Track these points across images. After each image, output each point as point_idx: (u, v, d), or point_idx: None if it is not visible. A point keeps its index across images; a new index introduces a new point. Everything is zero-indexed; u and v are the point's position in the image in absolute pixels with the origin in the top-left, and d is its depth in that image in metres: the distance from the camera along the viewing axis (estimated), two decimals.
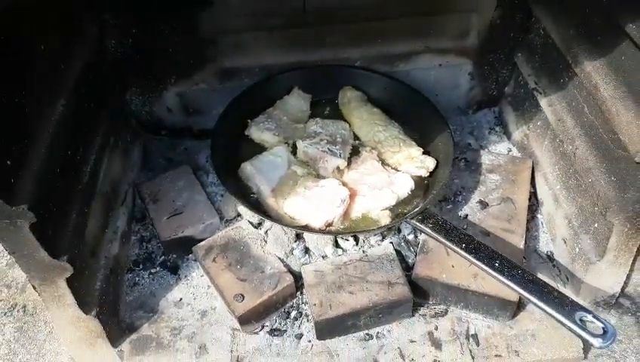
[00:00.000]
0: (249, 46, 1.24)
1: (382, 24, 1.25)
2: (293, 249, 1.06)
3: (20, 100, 0.81)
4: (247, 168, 1.10)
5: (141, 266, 1.13)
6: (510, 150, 1.33)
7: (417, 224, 0.96)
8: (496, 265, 0.88)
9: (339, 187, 1.04)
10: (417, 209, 0.99)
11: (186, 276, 1.12)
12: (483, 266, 0.88)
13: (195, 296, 1.09)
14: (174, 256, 1.14)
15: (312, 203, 1.02)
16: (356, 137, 1.22)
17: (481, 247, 0.91)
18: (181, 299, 1.08)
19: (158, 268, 1.13)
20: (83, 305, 0.93)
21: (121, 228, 1.13)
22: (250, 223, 1.12)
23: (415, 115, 1.22)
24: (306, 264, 1.05)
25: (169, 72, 1.26)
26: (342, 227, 1.04)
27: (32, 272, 0.87)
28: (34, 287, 0.90)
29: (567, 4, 1.08)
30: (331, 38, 1.25)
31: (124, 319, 1.05)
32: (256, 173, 1.09)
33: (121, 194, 1.17)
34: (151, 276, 1.12)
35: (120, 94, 1.26)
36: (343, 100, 1.28)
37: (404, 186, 1.07)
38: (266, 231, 1.09)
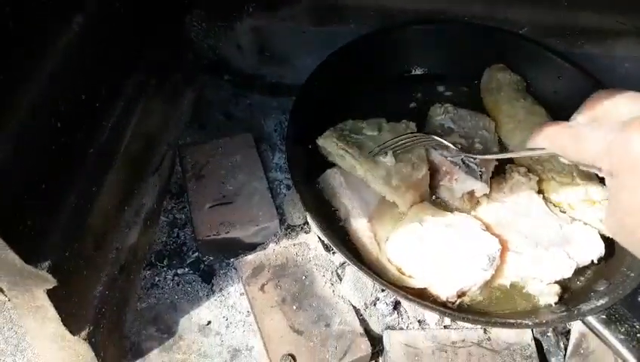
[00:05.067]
0: None
1: None
2: (377, 300, 0.72)
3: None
4: (335, 179, 0.73)
5: (166, 262, 0.83)
6: None
7: (599, 327, 0.58)
8: None
9: (484, 234, 0.65)
10: (604, 302, 0.60)
11: (221, 289, 0.81)
12: None
13: (229, 324, 0.78)
14: (211, 257, 0.83)
15: (436, 254, 0.64)
16: (501, 144, 0.81)
17: None
18: (209, 323, 0.78)
19: (186, 269, 0.83)
20: (71, 321, 0.65)
21: (147, 207, 0.82)
22: (321, 241, 0.77)
23: None
24: (392, 328, 0.70)
25: None
26: (480, 299, 0.66)
27: None
28: (0, 290, 0.62)
29: None
30: None
31: (129, 335, 0.77)
32: (347, 189, 0.72)
33: (156, 157, 0.85)
34: (176, 278, 0.82)
35: (178, 16, 0.91)
36: (490, 84, 0.86)
37: (590, 250, 0.66)
38: (343, 263, 0.74)
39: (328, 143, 0.74)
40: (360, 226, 0.69)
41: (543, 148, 0.52)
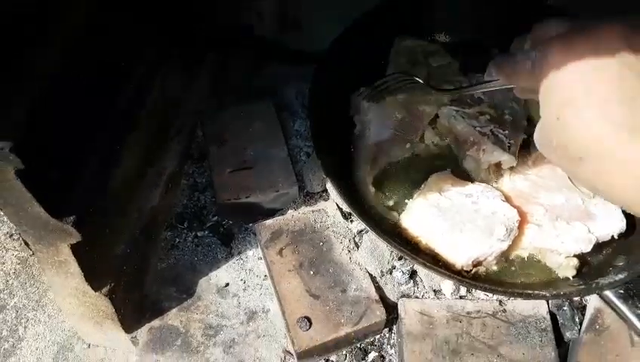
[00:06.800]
0: None
1: None
2: (394, 268, 0.72)
3: None
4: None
5: (186, 224, 0.85)
6: None
7: (617, 302, 0.58)
8: None
9: (503, 205, 0.65)
10: (623, 276, 0.59)
11: (239, 252, 0.82)
12: None
13: (246, 286, 0.80)
14: (230, 221, 0.84)
15: (454, 223, 0.64)
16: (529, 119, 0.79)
17: None
18: (227, 285, 0.80)
19: (206, 232, 0.84)
20: (93, 277, 0.66)
21: (168, 170, 0.83)
22: (339, 209, 0.78)
23: None
24: (407, 296, 0.71)
25: None
26: (494, 269, 0.66)
27: (23, 226, 0.60)
28: (26, 243, 0.64)
29: None
30: None
31: (150, 294, 0.79)
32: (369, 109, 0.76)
33: (178, 122, 0.86)
34: (195, 240, 0.84)
35: None
36: None
37: (611, 226, 0.65)
38: (361, 231, 0.75)
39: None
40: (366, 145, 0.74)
41: (497, 80, 0.51)
